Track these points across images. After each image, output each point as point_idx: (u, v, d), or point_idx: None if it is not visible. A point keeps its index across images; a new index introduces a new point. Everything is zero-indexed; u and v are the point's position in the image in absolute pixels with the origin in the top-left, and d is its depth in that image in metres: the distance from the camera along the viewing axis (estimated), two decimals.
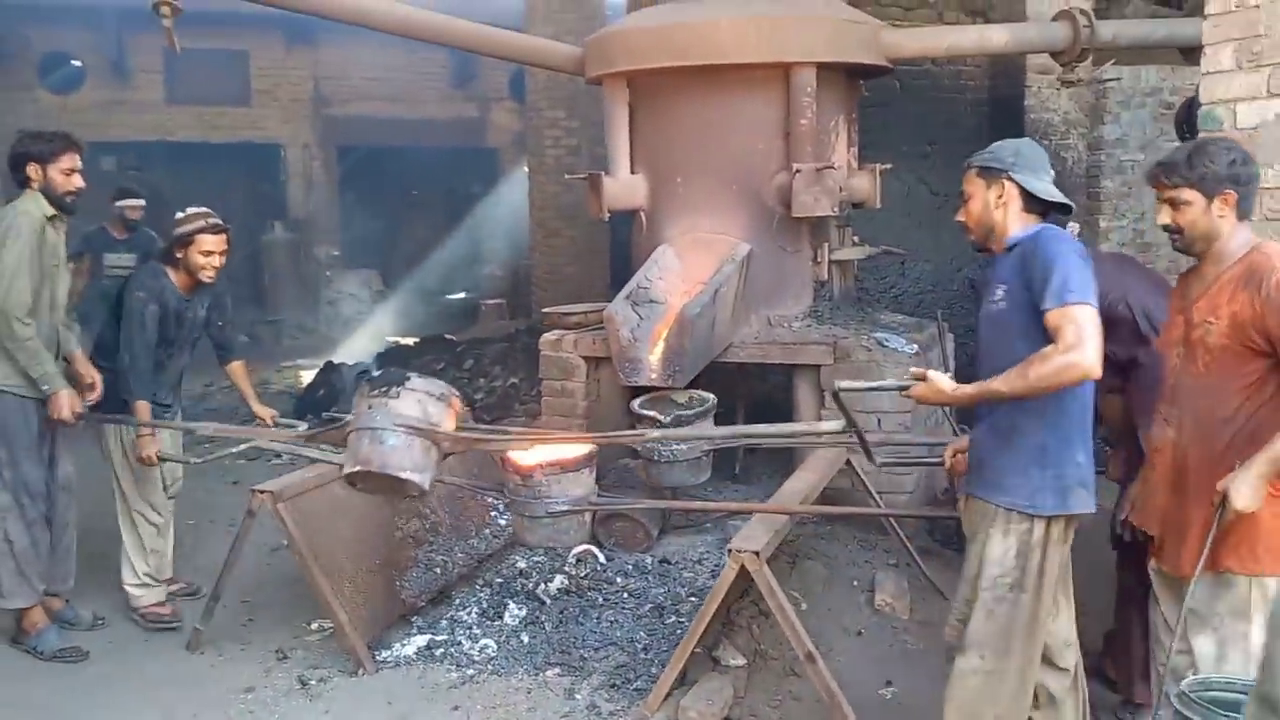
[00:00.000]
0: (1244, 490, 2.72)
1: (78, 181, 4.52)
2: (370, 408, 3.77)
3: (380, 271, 16.16)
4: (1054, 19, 5.91)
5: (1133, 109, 8.24)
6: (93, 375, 4.64)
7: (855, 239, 6.09)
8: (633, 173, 5.74)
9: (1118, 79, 7.76)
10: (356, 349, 12.32)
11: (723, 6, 5.44)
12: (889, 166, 5.93)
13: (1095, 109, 8.34)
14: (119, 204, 7.60)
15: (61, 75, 14.89)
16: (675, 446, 4.48)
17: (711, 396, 4.78)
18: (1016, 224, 3.05)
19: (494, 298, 14.09)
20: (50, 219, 4.46)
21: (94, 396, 4.60)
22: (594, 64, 5.78)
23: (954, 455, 3.38)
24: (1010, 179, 3.00)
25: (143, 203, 7.70)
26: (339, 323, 14.61)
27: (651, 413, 4.61)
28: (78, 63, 14.94)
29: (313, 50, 15.71)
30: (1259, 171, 3.14)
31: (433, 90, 16.43)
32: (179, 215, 4.82)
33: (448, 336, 11.59)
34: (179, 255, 4.77)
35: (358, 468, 3.76)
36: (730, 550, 3.70)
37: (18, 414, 4.39)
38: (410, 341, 11.83)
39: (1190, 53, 5.85)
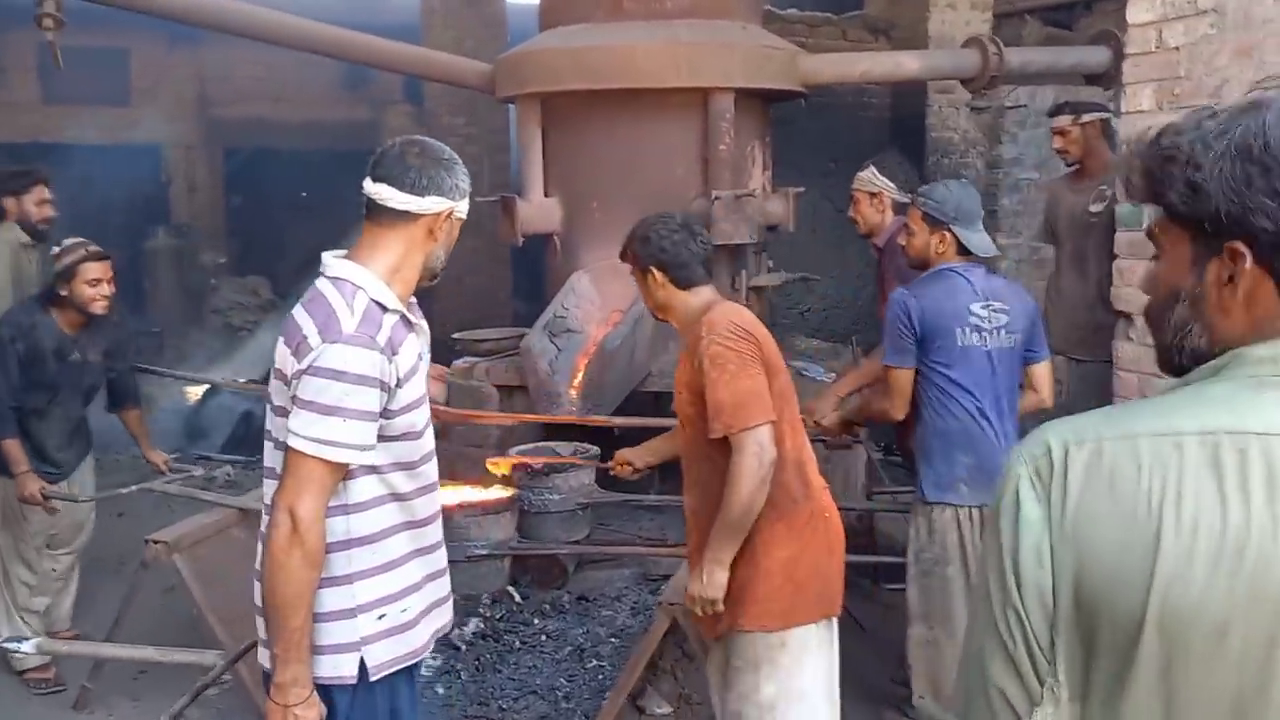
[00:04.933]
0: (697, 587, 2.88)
1: (49, 210, 5.10)
2: None
3: (269, 279, 15.61)
4: (964, 46, 5.96)
5: (1029, 128, 8.41)
6: None
7: (770, 264, 6.05)
8: (547, 196, 5.60)
9: (1024, 105, 7.91)
10: (245, 364, 11.84)
11: (640, 30, 5.33)
12: (802, 190, 5.90)
13: (993, 128, 8.50)
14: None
15: None
16: (548, 497, 4.42)
17: (596, 449, 4.70)
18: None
19: None
20: (24, 247, 5.00)
21: None
22: (505, 83, 5.61)
23: None
24: (950, 231, 3.25)
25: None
26: (226, 333, 14.06)
27: (525, 458, 4.51)
28: None
29: (197, 49, 15.08)
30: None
31: (323, 91, 15.94)
32: (55, 250, 4.50)
33: None
34: (63, 292, 4.45)
35: None
36: (660, 603, 3.60)
37: None
38: None
39: (1097, 79, 5.96)
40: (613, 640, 4.54)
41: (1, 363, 4.35)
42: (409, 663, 2.34)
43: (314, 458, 2.11)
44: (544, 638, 4.58)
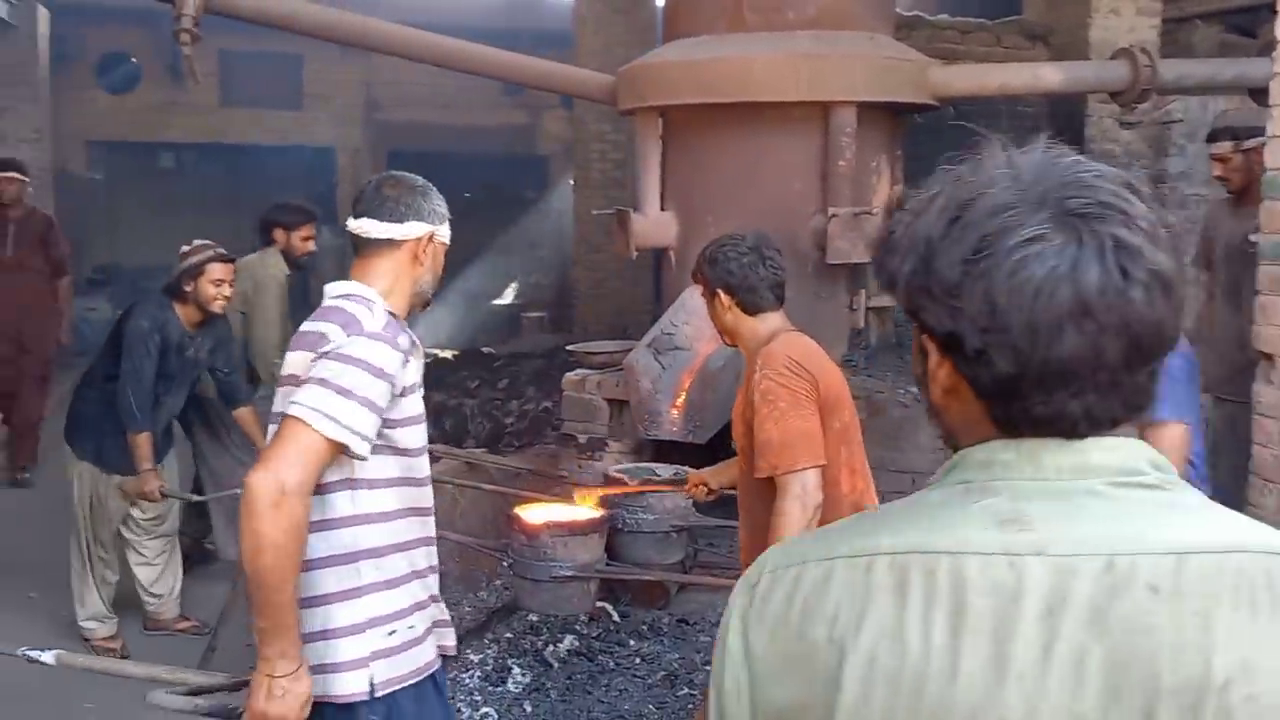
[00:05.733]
0: None
1: (311, 246, 5.78)
2: None
3: None
4: (1112, 57, 5.60)
5: (1198, 141, 7.85)
6: None
7: None
8: (663, 209, 5.54)
9: (1180, 120, 7.39)
10: None
11: (760, 42, 5.20)
12: None
13: (1159, 140, 7.98)
14: None
15: (119, 76, 15.00)
16: (641, 517, 4.33)
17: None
18: None
19: (536, 309, 13.93)
20: (286, 276, 5.63)
21: None
22: (626, 96, 5.58)
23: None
24: None
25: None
26: None
27: (621, 475, 4.44)
28: (134, 62, 15.05)
29: (366, 56, 15.67)
30: None
31: (484, 97, 16.32)
32: (184, 249, 4.69)
33: (486, 350, 11.44)
34: (187, 288, 4.64)
35: None
36: None
37: None
38: (449, 355, 11.71)
39: (1260, 94, 5.50)
40: (707, 668, 4.44)
41: (145, 354, 4.55)
42: (413, 680, 2.32)
43: (315, 430, 2.07)
44: (638, 660, 4.51)
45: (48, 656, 2.22)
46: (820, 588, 0.93)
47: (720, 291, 2.91)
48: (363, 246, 2.34)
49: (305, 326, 2.29)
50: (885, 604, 0.89)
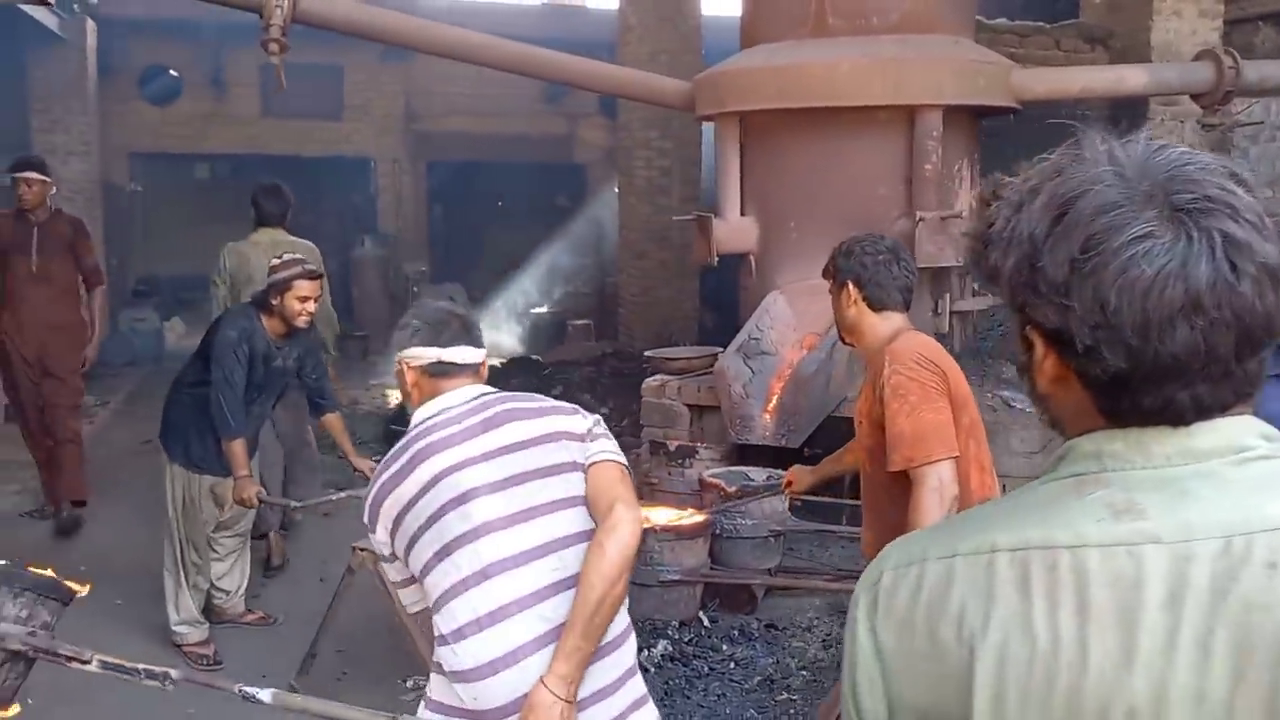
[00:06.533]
0: None
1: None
2: None
3: (465, 286, 16.14)
4: (1196, 58, 5.57)
5: (1261, 143, 7.83)
6: None
7: (975, 288, 5.82)
8: (743, 215, 5.54)
9: (1260, 122, 7.35)
10: None
11: (844, 47, 5.21)
12: None
13: (1222, 143, 7.93)
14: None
15: (160, 87, 15.11)
16: (740, 522, 4.32)
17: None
18: None
19: (581, 317, 13.94)
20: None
21: None
22: (705, 102, 5.58)
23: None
24: None
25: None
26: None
27: (719, 481, 4.43)
28: (175, 74, 15.16)
29: (405, 66, 15.76)
30: None
31: (522, 106, 16.38)
32: (274, 261, 4.72)
33: (534, 358, 11.45)
34: (274, 301, 4.67)
35: None
36: None
37: None
38: (497, 362, 11.73)
39: None
40: (803, 673, 4.43)
41: (235, 363, 4.60)
42: None
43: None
44: (732, 664, 4.51)
45: (264, 695, 2.21)
46: (943, 586, 0.94)
47: (850, 284, 2.91)
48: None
49: (543, 402, 2.47)
50: (1010, 600, 0.90)
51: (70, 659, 2.02)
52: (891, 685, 0.97)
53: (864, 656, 0.99)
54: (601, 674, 2.24)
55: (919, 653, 0.95)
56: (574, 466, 2.32)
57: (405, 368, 2.48)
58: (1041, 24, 8.50)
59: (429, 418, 2.40)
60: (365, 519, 2.36)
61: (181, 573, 4.89)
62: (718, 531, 4.35)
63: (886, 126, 5.18)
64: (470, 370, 2.49)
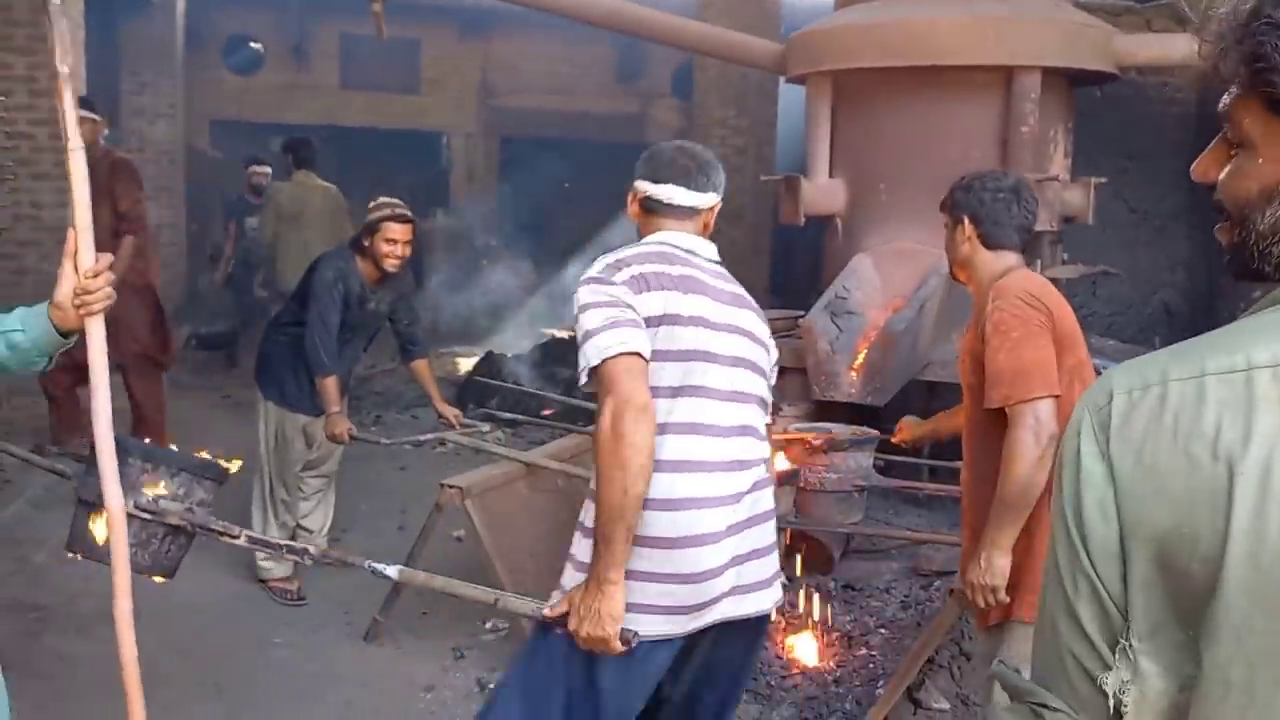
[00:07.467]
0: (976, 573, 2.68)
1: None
2: None
3: (533, 261, 16.22)
4: None
5: None
6: None
7: (1065, 256, 5.73)
8: (831, 177, 5.50)
9: None
10: (510, 339, 12.37)
11: (942, 5, 5.15)
12: (1104, 180, 5.55)
13: None
14: (250, 169, 9.67)
15: (242, 57, 15.36)
16: (825, 475, 4.29)
17: (875, 433, 4.54)
18: None
19: None
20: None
21: None
22: (797, 62, 5.55)
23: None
24: None
25: (269, 169, 9.59)
26: (493, 312, 14.71)
27: (805, 436, 4.41)
28: (257, 45, 15.39)
29: (483, 41, 15.85)
30: None
31: (596, 84, 16.41)
32: (370, 205, 4.79)
33: None
34: (366, 243, 4.74)
35: None
36: (953, 590, 3.45)
37: None
38: (565, 335, 11.78)
39: None
40: (882, 631, 4.41)
41: (331, 302, 4.68)
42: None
43: None
44: (810, 620, 4.50)
45: (392, 571, 2.30)
46: (1194, 405, 0.92)
47: (966, 219, 2.87)
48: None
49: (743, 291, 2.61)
50: (1274, 414, 0.88)
51: (222, 534, 2.10)
52: (1128, 509, 0.95)
53: (1094, 484, 0.97)
54: (762, 535, 2.46)
55: (1163, 472, 0.93)
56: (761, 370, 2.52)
57: (631, 196, 2.62)
58: (1132, 3, 8.34)
59: (673, 245, 2.50)
60: (618, 277, 2.39)
61: (270, 509, 4.98)
62: (801, 485, 4.34)
63: (984, 88, 5.11)
64: (687, 213, 2.54)
